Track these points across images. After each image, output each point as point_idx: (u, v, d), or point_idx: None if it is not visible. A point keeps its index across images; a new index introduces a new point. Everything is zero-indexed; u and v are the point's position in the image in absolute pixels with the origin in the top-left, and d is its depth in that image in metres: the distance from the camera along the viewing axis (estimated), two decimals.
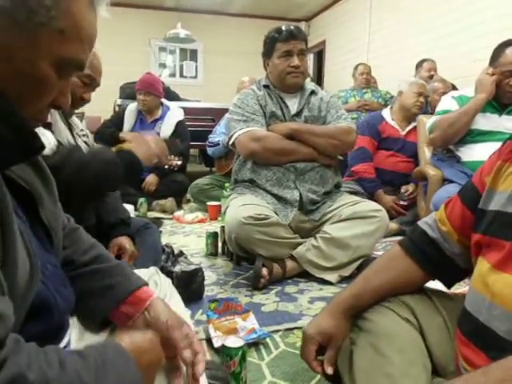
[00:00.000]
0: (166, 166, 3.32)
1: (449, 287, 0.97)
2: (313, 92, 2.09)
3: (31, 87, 0.53)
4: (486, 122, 2.12)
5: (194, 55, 8.42)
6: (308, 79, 2.16)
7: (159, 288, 0.94)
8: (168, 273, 1.61)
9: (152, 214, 3.25)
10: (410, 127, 3.04)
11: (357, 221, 1.86)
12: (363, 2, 6.30)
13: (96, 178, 1.25)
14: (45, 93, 0.56)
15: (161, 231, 2.58)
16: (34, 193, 0.62)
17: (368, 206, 1.92)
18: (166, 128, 3.54)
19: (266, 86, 2.07)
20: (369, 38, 6.20)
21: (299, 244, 1.91)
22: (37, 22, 0.51)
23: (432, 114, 3.08)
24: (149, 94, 3.50)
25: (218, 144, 3.47)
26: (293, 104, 2.05)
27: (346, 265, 1.86)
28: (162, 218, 3.16)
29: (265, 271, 1.78)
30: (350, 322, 0.94)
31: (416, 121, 3.02)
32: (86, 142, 1.68)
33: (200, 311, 1.55)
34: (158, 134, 3.51)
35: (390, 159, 3.03)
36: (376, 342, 0.84)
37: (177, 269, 1.67)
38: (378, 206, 1.94)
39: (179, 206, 3.55)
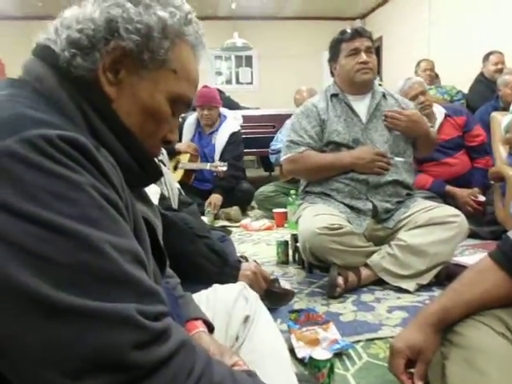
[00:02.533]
0: (215, 174, 3.45)
1: None
2: (384, 95, 2.05)
3: (151, 120, 0.63)
4: None
5: (249, 61, 8.54)
6: (377, 83, 2.11)
7: (249, 304, 0.97)
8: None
9: (217, 223, 3.34)
10: (437, 126, 2.79)
11: (434, 227, 1.80)
12: None
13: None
14: (162, 126, 0.65)
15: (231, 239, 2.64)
16: (151, 222, 0.68)
17: (445, 211, 1.86)
18: (221, 139, 3.60)
19: (334, 95, 2.05)
20: (429, 30, 5.98)
21: (373, 252, 1.89)
22: (157, 61, 0.61)
23: (504, 109, 2.93)
24: (212, 108, 3.56)
25: (280, 151, 3.50)
26: (363, 110, 2.00)
27: (423, 272, 1.81)
28: (229, 227, 3.23)
29: (340, 280, 1.78)
30: (439, 336, 0.92)
31: (441, 114, 2.83)
32: (161, 161, 1.77)
33: (279, 321, 1.57)
34: (214, 145, 3.61)
35: (437, 169, 2.82)
36: (471, 358, 0.82)
37: None
38: (456, 211, 1.87)
39: (244, 214, 3.61)
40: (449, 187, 2.75)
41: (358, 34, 1.96)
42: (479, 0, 4.94)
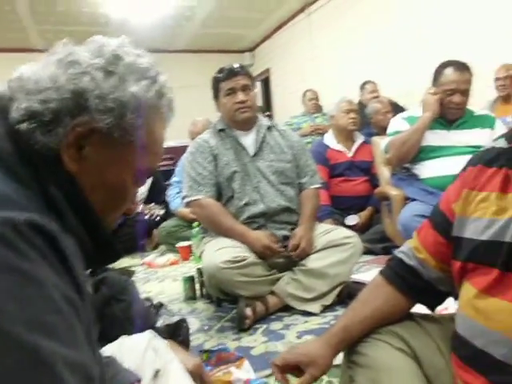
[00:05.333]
0: (147, 216, 3.35)
1: (432, 310, 0.99)
2: (269, 128, 2.14)
3: (115, 197, 0.59)
4: (436, 138, 2.25)
5: None
6: (261, 116, 2.20)
7: (159, 355, 0.92)
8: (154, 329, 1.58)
9: (120, 263, 3.17)
10: (356, 146, 3.15)
11: (332, 249, 1.90)
12: (302, 30, 6.56)
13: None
14: (125, 202, 0.62)
15: (133, 281, 2.52)
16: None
17: (340, 233, 1.98)
18: None
19: (221, 130, 2.10)
20: (312, 63, 6.44)
21: (278, 279, 1.93)
22: (128, 140, 0.57)
23: (377, 134, 3.25)
24: None
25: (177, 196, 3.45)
26: (250, 144, 2.08)
27: (326, 294, 1.89)
28: (131, 266, 3.09)
29: (248, 311, 1.78)
30: (335, 358, 0.94)
31: (360, 138, 3.19)
32: None
33: None
34: None
35: (343, 185, 3.10)
36: (376, 377, 0.85)
37: (159, 323, 1.63)
38: (351, 233, 2.00)
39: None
40: (327, 221, 2.84)
41: (233, 73, 2.01)
42: (354, 36, 5.46)
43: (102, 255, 0.58)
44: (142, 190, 3.51)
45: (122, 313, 1.35)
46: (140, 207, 3.28)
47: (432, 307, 0.99)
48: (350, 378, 0.92)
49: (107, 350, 0.89)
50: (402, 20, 4.67)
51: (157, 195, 3.52)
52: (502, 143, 0.82)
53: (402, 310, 0.96)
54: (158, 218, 3.27)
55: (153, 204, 3.32)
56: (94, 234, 0.56)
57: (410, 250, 0.96)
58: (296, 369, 0.94)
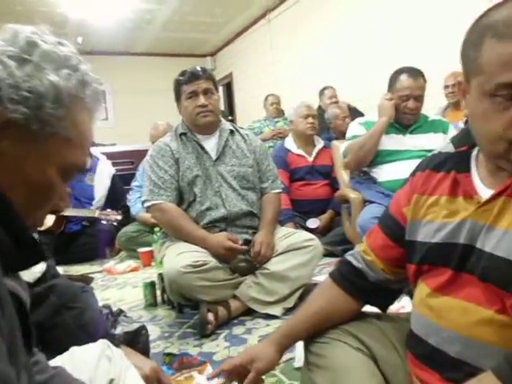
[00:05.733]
0: (105, 222, 3.26)
1: (383, 310, 1.02)
2: (232, 132, 2.14)
3: (39, 195, 0.55)
4: (392, 142, 2.32)
5: (102, 96, 8.21)
6: (223, 120, 2.20)
7: (113, 364, 0.90)
8: (110, 337, 1.53)
9: (79, 270, 3.08)
10: (317, 150, 3.20)
11: (293, 252, 1.92)
12: (263, 35, 6.62)
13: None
14: (51, 199, 0.57)
15: (92, 288, 2.45)
16: (21, 297, 0.58)
17: (301, 236, 2.00)
18: (102, 182, 3.43)
19: (183, 134, 2.07)
20: (273, 69, 6.50)
21: (240, 283, 1.92)
22: (49, 132, 0.53)
23: (336, 138, 3.32)
24: None
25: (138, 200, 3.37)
26: (212, 148, 2.07)
27: (287, 296, 1.90)
28: (90, 273, 3.00)
29: (210, 316, 1.76)
30: (279, 354, 0.97)
31: (320, 142, 3.25)
32: None
33: None
34: (92, 187, 3.39)
35: (304, 189, 3.14)
36: (334, 378, 0.86)
37: (118, 331, 1.59)
38: (311, 236, 2.02)
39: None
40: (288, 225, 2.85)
41: (195, 76, 1.99)
42: (313, 42, 5.56)
43: (24, 256, 0.54)
44: (99, 196, 3.42)
45: (73, 321, 1.30)
46: (96, 213, 3.20)
47: (382, 308, 1.01)
48: (309, 380, 0.92)
49: (57, 361, 0.86)
50: (358, 27, 4.79)
51: (115, 200, 3.44)
52: (450, 148, 0.86)
53: (351, 310, 0.97)
54: (116, 223, 3.21)
55: (109, 210, 3.25)
56: (16, 235, 0.51)
57: (358, 253, 0.99)
58: (244, 374, 0.95)
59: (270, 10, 6.31)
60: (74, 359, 0.88)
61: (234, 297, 1.91)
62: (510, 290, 0.66)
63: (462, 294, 0.74)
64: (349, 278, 0.97)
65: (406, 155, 2.24)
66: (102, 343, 0.96)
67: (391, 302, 1.02)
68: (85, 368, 0.85)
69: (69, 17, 5.89)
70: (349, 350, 0.91)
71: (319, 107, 4.47)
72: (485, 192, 0.74)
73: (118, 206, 3.35)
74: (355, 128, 2.45)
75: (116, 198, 3.49)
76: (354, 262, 0.98)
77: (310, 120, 3.14)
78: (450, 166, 0.82)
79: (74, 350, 0.91)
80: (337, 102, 4.22)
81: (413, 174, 0.91)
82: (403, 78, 2.24)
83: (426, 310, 0.80)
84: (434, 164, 0.86)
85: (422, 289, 0.82)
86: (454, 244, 0.76)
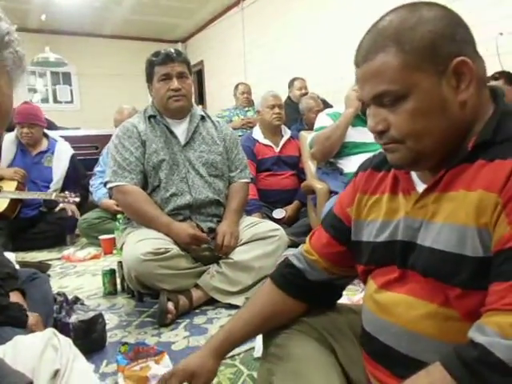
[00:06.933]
0: (62, 205, 3.15)
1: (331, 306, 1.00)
2: (203, 118, 2.08)
3: None
4: (359, 134, 2.32)
5: (67, 78, 7.95)
6: (195, 105, 2.14)
7: (59, 353, 0.84)
8: (63, 325, 1.47)
9: (36, 257, 2.97)
10: (284, 141, 3.19)
11: (257, 242, 1.89)
12: (236, 23, 6.54)
13: None
14: None
15: (49, 275, 2.36)
16: None
17: (266, 226, 1.97)
18: (60, 163, 3.32)
19: (152, 117, 2.00)
20: (245, 58, 6.44)
21: (203, 272, 1.89)
22: None
23: (308, 130, 3.31)
24: (33, 125, 3.22)
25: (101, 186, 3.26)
26: (182, 132, 2.01)
27: (250, 287, 1.88)
28: (48, 260, 2.89)
29: (171, 306, 1.72)
30: (219, 360, 0.94)
31: (287, 133, 3.23)
32: None
33: (105, 362, 1.44)
34: (50, 168, 3.27)
35: (271, 179, 3.12)
36: (296, 369, 0.85)
37: (73, 319, 1.52)
38: (276, 226, 2.00)
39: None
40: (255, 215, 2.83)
41: (170, 58, 1.92)
42: (285, 33, 5.53)
43: None
44: (57, 178, 3.30)
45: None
46: (53, 195, 3.09)
47: (330, 305, 0.99)
48: (268, 371, 0.90)
49: None
50: (332, 19, 4.79)
51: (74, 182, 3.33)
52: None
53: (292, 311, 0.95)
54: (74, 203, 3.11)
55: (67, 192, 3.14)
56: None
57: (300, 253, 0.97)
58: None
59: None
60: (16, 349, 0.82)
61: (196, 286, 1.87)
62: (451, 283, 0.66)
63: (405, 289, 0.74)
64: (291, 280, 0.95)
65: (373, 148, 2.24)
66: (49, 332, 0.90)
67: (338, 298, 1.01)
68: (29, 358, 0.80)
69: None
70: (309, 340, 0.90)
71: (288, 97, 4.45)
72: (422, 188, 0.75)
73: (75, 188, 3.23)
74: (323, 119, 2.44)
75: (75, 180, 3.38)
76: (296, 263, 0.96)
77: (277, 110, 3.10)
78: (390, 165, 0.82)
79: (17, 339, 0.85)
80: (306, 94, 4.21)
81: (355, 174, 0.92)
82: None
83: (374, 305, 0.79)
84: (375, 163, 0.87)
85: (371, 285, 0.82)
86: (394, 242, 0.77)
